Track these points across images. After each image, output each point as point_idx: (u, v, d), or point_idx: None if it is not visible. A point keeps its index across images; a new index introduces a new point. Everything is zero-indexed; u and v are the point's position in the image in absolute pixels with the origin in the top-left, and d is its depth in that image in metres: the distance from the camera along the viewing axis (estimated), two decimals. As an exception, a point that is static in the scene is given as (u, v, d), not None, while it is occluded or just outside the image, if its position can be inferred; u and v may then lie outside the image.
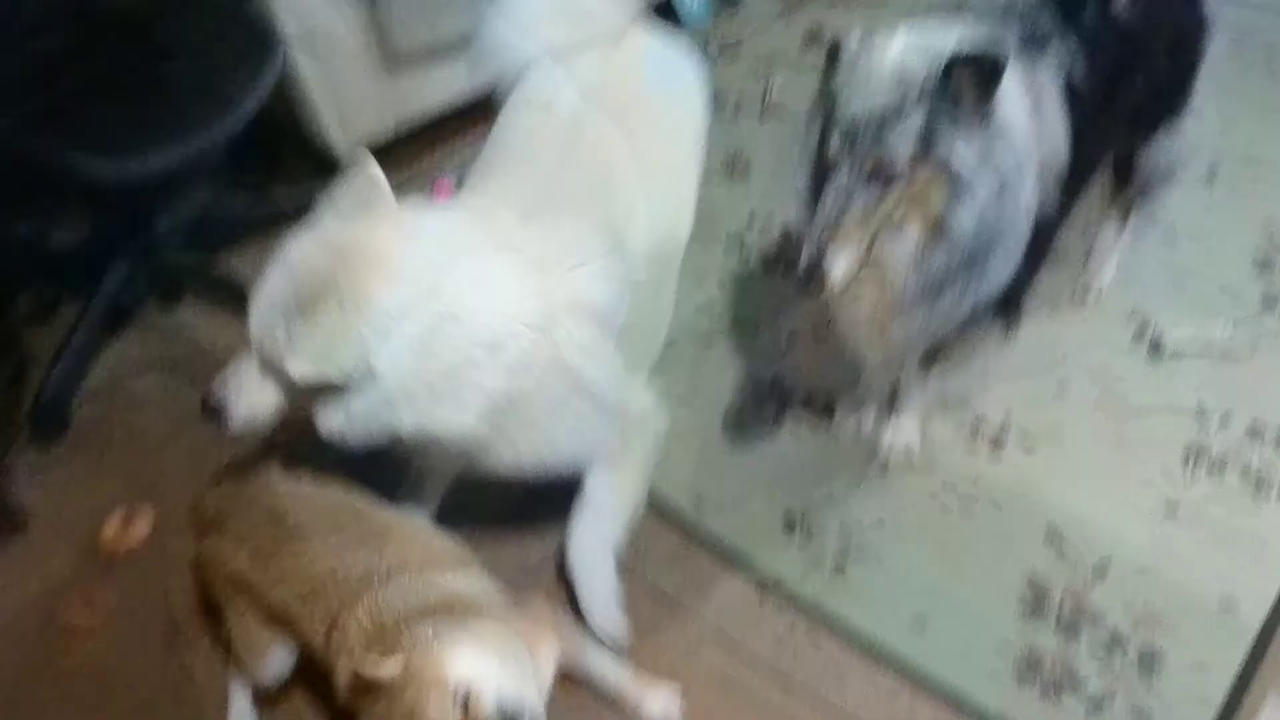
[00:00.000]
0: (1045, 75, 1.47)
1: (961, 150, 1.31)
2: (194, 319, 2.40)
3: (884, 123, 1.30)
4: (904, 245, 1.40)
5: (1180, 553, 1.76)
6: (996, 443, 1.97)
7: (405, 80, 2.68)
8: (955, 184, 1.33)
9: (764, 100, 3.00)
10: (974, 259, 1.41)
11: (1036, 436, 1.97)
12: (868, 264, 1.40)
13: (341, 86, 2.58)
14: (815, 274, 1.34)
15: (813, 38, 3.26)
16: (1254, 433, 1.94)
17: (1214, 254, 2.32)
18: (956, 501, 1.88)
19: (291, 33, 2.39)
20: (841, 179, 1.34)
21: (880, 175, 1.33)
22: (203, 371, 2.12)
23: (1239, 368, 2.07)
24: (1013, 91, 1.37)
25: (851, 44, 1.38)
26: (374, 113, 2.67)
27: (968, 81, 1.28)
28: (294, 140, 2.63)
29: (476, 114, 2.60)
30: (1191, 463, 1.90)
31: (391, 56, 2.65)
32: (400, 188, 1.39)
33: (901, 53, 1.33)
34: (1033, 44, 1.48)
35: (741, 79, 3.10)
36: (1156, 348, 2.11)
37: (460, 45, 2.53)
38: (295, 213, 1.48)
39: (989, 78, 1.28)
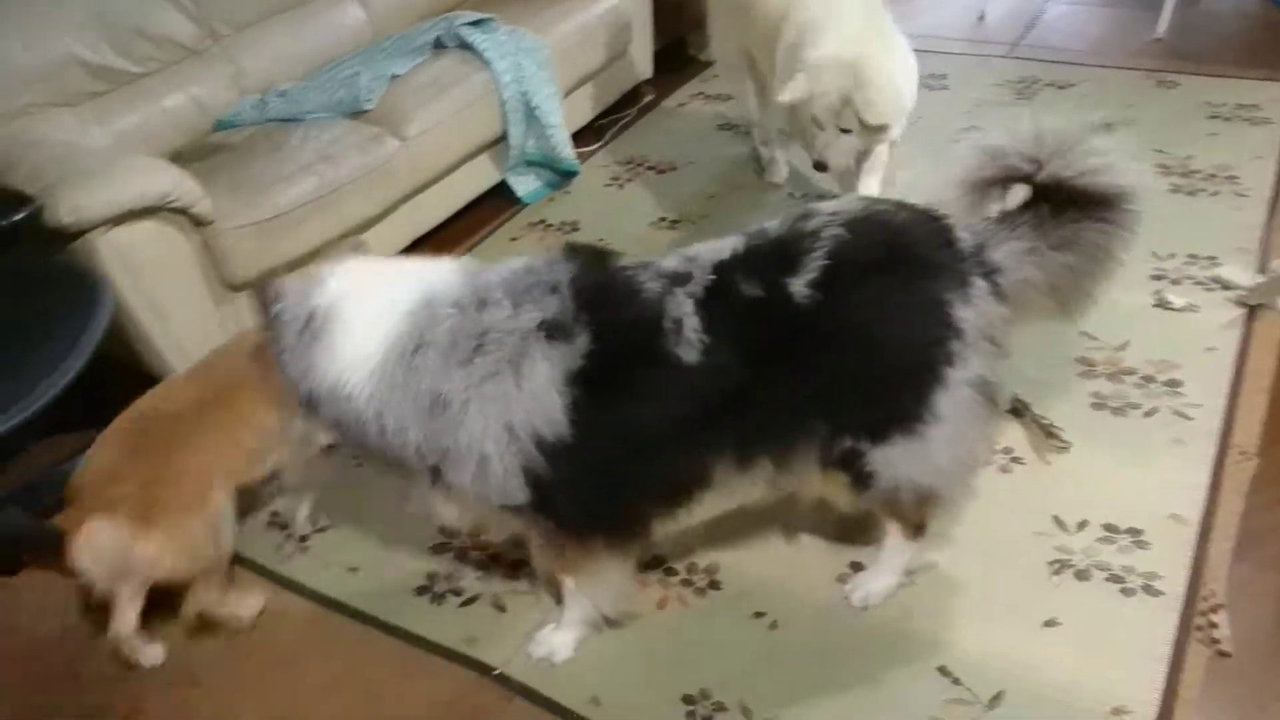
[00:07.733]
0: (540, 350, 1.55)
1: None
2: (35, 597, 2.22)
3: None
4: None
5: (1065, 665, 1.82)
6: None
7: (243, 306, 2.68)
8: None
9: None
10: None
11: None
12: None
13: (177, 319, 2.55)
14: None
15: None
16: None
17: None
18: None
19: (118, 271, 2.37)
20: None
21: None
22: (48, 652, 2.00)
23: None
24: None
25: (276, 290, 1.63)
26: (213, 341, 2.62)
27: None
28: (133, 381, 2.54)
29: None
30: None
31: (227, 284, 2.64)
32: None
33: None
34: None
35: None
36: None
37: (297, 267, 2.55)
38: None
39: None
